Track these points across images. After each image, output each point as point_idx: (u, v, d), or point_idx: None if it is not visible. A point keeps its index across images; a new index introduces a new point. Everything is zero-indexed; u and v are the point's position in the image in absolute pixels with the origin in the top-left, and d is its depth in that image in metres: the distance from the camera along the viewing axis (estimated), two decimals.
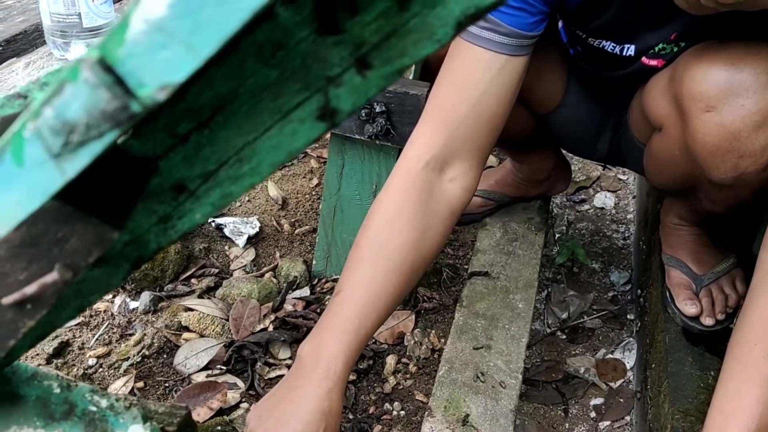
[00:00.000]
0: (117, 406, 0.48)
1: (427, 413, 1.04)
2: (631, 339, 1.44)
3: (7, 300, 0.35)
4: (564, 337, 1.45)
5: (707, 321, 1.18)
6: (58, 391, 0.48)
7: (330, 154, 1.21)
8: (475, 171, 0.97)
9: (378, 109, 1.08)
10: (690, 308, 1.19)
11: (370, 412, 1.08)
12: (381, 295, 0.88)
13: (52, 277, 0.34)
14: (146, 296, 1.23)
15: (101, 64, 0.25)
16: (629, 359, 1.40)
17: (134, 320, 1.21)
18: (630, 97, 1.13)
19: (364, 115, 1.09)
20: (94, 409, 0.47)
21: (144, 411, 0.49)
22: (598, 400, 1.33)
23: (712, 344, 1.18)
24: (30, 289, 0.35)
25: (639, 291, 1.47)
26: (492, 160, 1.71)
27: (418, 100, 1.09)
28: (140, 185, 0.37)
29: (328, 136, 1.33)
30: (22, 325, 0.37)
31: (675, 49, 0.98)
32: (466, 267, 1.35)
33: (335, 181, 1.22)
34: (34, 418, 0.45)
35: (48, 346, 1.14)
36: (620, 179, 1.87)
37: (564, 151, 1.47)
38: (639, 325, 1.42)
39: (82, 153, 0.26)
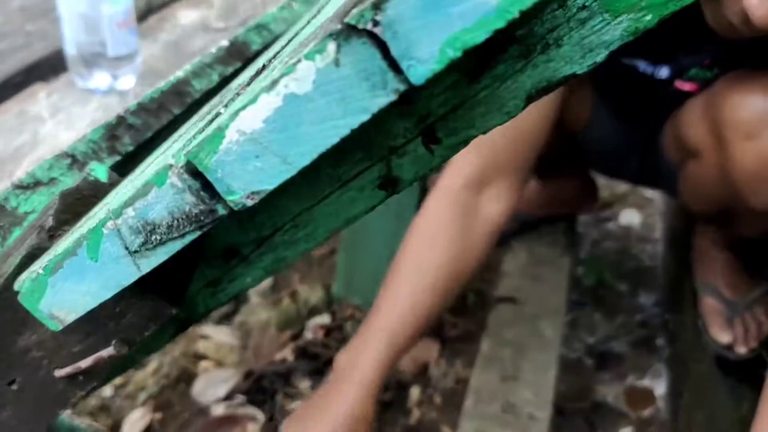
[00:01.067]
0: None
1: None
2: (660, 365, 1.40)
3: (60, 373, 0.34)
4: (591, 362, 1.41)
5: (741, 349, 1.14)
6: None
7: None
8: (512, 191, 0.98)
9: None
10: (724, 336, 1.15)
11: None
12: (417, 311, 0.90)
13: (108, 351, 0.33)
14: None
15: (190, 170, 0.24)
16: (659, 386, 1.35)
17: None
18: (662, 118, 1.09)
19: None
20: None
21: None
22: (628, 430, 1.29)
23: (746, 373, 1.14)
24: (85, 363, 0.34)
25: (668, 315, 1.43)
26: None
27: None
28: (196, 255, 0.36)
29: None
30: (72, 396, 0.36)
31: (709, 75, 0.95)
32: (492, 291, 1.31)
33: None
34: None
35: None
36: (646, 196, 1.83)
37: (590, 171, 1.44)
38: (669, 351, 1.38)
39: (161, 251, 0.25)
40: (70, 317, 0.29)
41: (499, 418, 1.05)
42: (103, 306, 0.32)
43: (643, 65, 0.99)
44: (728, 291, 1.19)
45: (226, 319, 1.25)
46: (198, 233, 0.26)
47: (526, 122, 0.95)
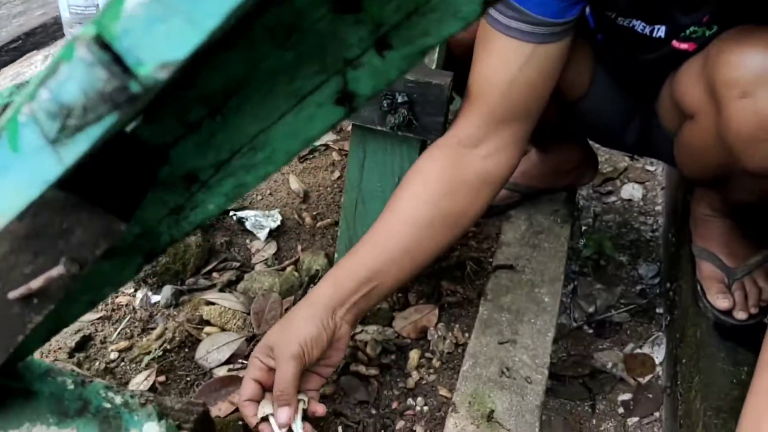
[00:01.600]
0: (132, 403, 0.47)
1: (451, 409, 1.02)
2: (660, 333, 1.40)
3: (13, 294, 0.34)
4: (591, 331, 1.43)
5: (740, 315, 1.15)
6: (72, 387, 0.47)
7: (351, 145, 1.19)
8: (511, 149, 0.99)
9: (400, 100, 1.06)
10: (722, 302, 1.15)
11: (393, 407, 1.06)
12: (381, 243, 0.95)
13: (57, 270, 0.33)
14: (168, 290, 1.23)
15: (97, 41, 0.23)
16: (658, 354, 1.36)
17: (156, 314, 1.21)
18: (659, 83, 1.09)
19: (385, 105, 1.06)
20: (108, 406, 0.46)
21: (159, 408, 0.48)
22: (626, 396, 1.30)
23: (745, 339, 1.14)
24: (35, 283, 0.33)
25: (668, 284, 1.43)
26: None
27: (441, 90, 1.06)
28: (150, 175, 0.36)
29: (349, 128, 1.32)
30: (29, 320, 0.36)
31: (707, 33, 0.95)
32: (491, 260, 1.32)
33: (357, 174, 1.20)
34: (47, 414, 0.44)
35: (70, 340, 1.14)
36: (648, 170, 1.83)
37: (591, 142, 1.44)
38: (668, 319, 1.39)
39: (80, 139, 0.25)
40: (2, 220, 0.28)
41: (496, 381, 1.07)
42: (50, 222, 0.32)
43: (640, 25, 0.99)
44: (727, 257, 1.19)
45: (229, 287, 1.26)
46: (115, 116, 0.25)
47: (517, 92, 0.96)
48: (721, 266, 1.19)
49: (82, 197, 0.32)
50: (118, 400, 0.47)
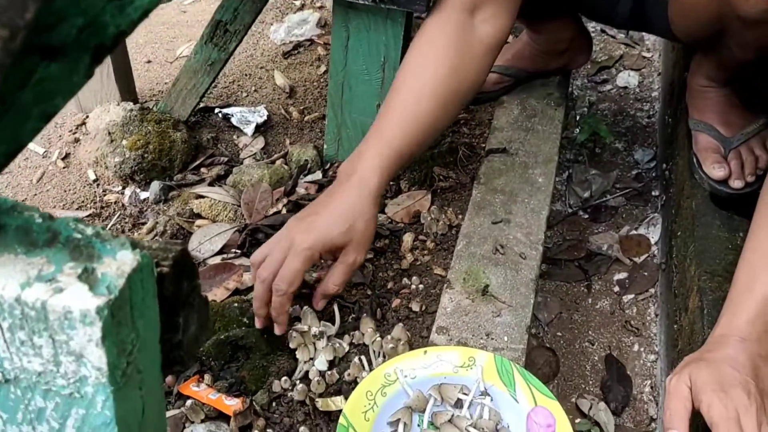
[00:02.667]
0: (103, 234, 0.45)
1: (446, 285, 1.02)
2: (655, 215, 1.39)
3: None
4: (586, 216, 1.42)
5: (736, 183, 1.13)
6: (40, 220, 0.46)
7: (334, 26, 1.15)
8: (505, 15, 1.00)
9: None
10: (718, 171, 1.13)
11: (389, 287, 1.06)
12: (417, 118, 0.95)
13: None
14: (156, 186, 1.21)
15: None
16: (654, 234, 1.36)
17: (146, 210, 1.20)
18: None
19: None
20: (79, 236, 0.45)
21: (133, 242, 0.47)
22: (622, 275, 1.30)
23: (741, 207, 1.13)
24: None
25: (664, 165, 1.41)
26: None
27: None
28: None
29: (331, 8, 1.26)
30: None
31: None
32: (483, 145, 1.30)
33: (341, 56, 1.16)
34: (14, 245, 0.43)
35: None
36: (644, 57, 1.78)
37: (585, 23, 1.39)
38: (664, 199, 1.38)
39: None
40: None
41: (490, 258, 1.06)
42: None
43: None
44: (723, 127, 1.17)
45: (218, 181, 1.25)
46: None
47: None
48: (718, 136, 1.16)
49: None
50: (89, 231, 0.46)
